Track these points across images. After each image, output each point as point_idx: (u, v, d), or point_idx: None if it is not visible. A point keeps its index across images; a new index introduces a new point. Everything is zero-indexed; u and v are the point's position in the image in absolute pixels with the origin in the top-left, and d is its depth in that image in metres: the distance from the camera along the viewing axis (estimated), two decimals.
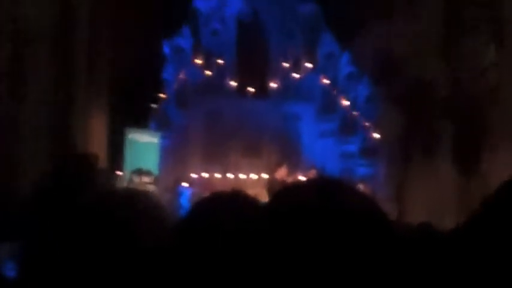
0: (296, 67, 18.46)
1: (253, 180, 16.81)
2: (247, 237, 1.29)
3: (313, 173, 14.22)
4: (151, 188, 13.97)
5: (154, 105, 17.39)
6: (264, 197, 14.00)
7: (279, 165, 13.96)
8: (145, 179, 14.04)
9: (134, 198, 1.63)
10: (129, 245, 1.48)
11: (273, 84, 18.16)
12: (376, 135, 16.42)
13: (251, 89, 17.94)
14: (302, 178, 15.31)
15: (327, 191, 1.30)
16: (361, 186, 14.09)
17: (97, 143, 13.84)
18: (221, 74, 18.14)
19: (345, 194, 1.30)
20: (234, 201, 1.46)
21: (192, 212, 1.46)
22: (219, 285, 1.31)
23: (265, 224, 1.28)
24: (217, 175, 17.08)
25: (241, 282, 1.27)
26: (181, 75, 17.91)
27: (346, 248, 1.21)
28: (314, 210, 1.25)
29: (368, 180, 15.28)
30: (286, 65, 18.41)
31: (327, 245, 1.21)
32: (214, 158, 17.20)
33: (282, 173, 13.80)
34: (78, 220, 1.55)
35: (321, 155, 17.45)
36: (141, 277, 1.44)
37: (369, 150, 16.79)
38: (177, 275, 1.33)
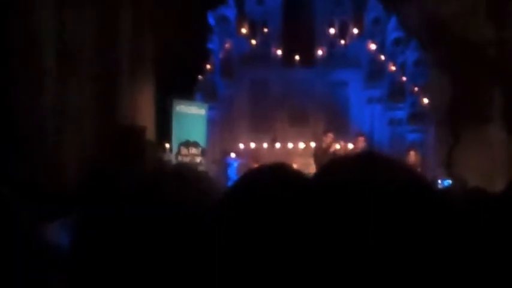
0: (342, 34, 18.29)
1: (300, 149, 16.78)
2: (292, 210, 1.29)
3: (361, 140, 14.10)
4: (198, 159, 14.10)
5: (200, 77, 17.42)
6: (311, 166, 13.99)
7: (326, 133, 13.86)
8: (193, 150, 14.16)
9: (183, 175, 1.64)
10: (178, 220, 1.50)
11: (320, 52, 18.02)
12: (425, 101, 16.20)
13: (297, 58, 17.82)
14: (350, 145, 15.24)
15: (373, 166, 1.28)
16: (411, 153, 13.98)
17: (144, 115, 13.95)
18: (267, 43, 18.08)
19: (391, 169, 1.28)
20: (279, 174, 1.44)
21: (238, 184, 1.46)
22: (262, 257, 1.30)
23: (310, 199, 1.27)
24: (265, 145, 17.08)
25: (284, 255, 1.28)
26: (227, 46, 17.89)
27: (392, 225, 1.20)
28: (358, 187, 1.23)
29: (418, 146, 15.09)
30: (332, 31, 18.24)
31: (370, 222, 1.19)
32: (261, 128, 17.21)
33: (329, 141, 13.70)
34: (128, 198, 1.57)
35: (369, 121, 17.31)
36: (188, 248, 1.47)
37: (418, 116, 16.60)
38: (222, 245, 1.33)
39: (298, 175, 1.46)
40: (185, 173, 1.65)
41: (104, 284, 1.51)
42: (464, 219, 1.66)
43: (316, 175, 1.34)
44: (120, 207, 1.54)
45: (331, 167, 1.34)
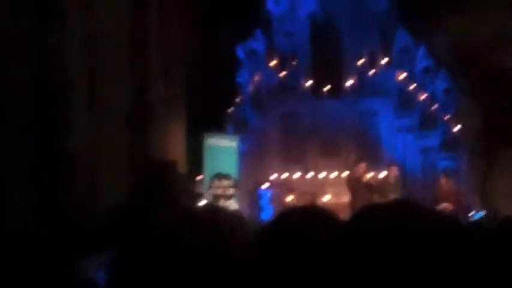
0: (371, 64, 18.30)
1: (332, 178, 16.73)
2: (328, 254, 1.32)
3: (394, 169, 14.07)
4: (231, 191, 14.10)
5: (230, 109, 17.53)
6: (345, 195, 13.96)
7: (358, 163, 13.85)
8: (225, 182, 14.15)
9: (216, 214, 1.66)
10: (210, 262, 1.51)
11: (349, 82, 18.04)
12: (457, 128, 16.12)
13: (326, 89, 17.86)
14: (383, 174, 15.18)
15: (408, 214, 1.29)
16: (443, 179, 13.88)
17: (176, 149, 14.04)
18: (296, 75, 18.13)
19: (425, 218, 1.30)
20: (314, 216, 1.46)
21: (275, 225, 1.47)
22: None
23: (345, 243, 1.28)
24: (297, 175, 17.05)
25: None
26: (256, 78, 17.99)
27: (425, 272, 1.22)
28: (392, 234, 1.25)
29: (451, 174, 14.99)
30: (361, 61, 18.27)
31: (403, 269, 1.22)
32: (293, 159, 17.21)
33: (361, 170, 13.68)
34: (162, 238, 1.59)
35: (401, 150, 17.25)
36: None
37: (450, 144, 16.51)
38: (263, 285, 1.35)
39: (333, 218, 1.47)
40: (217, 213, 1.67)
41: None
42: (498, 252, 1.65)
43: (353, 220, 1.36)
44: (155, 246, 1.56)
45: (367, 212, 1.37)
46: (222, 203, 13.50)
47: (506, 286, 1.37)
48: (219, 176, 14.24)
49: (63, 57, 10.45)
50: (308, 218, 1.44)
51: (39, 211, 9.39)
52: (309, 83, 18.02)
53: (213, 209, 1.80)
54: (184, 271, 1.49)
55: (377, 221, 1.30)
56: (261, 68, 18.10)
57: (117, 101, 11.62)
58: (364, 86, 18.02)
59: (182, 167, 14.08)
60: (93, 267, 3.02)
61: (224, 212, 1.75)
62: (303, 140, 17.25)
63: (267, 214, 15.02)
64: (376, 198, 13.24)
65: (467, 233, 1.33)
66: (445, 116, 16.74)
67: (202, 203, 14.02)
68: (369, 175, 14.50)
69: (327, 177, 16.89)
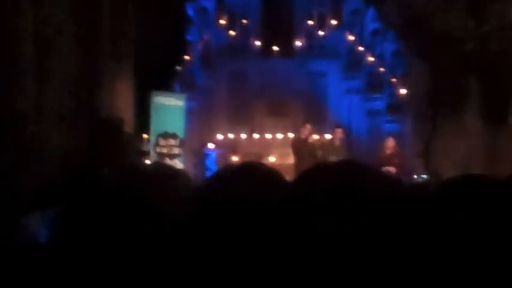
0: (321, 25, 18.31)
1: (279, 140, 16.81)
2: (268, 214, 1.30)
3: (339, 131, 14.16)
4: (177, 150, 14.09)
5: (179, 68, 17.39)
6: (290, 156, 14.04)
7: (304, 124, 13.91)
8: (171, 141, 14.14)
9: (161, 172, 1.65)
10: (153, 218, 1.51)
11: (298, 43, 18.04)
12: (403, 91, 16.28)
13: (276, 49, 17.84)
14: (328, 136, 15.30)
15: (353, 175, 1.30)
16: (389, 140, 14.05)
17: (123, 107, 13.90)
18: (245, 34, 18.06)
19: (369, 178, 1.31)
20: (255, 172, 1.45)
21: (216, 181, 1.46)
22: (237, 257, 1.31)
23: (289, 204, 1.28)
24: (243, 136, 17.09)
25: (258, 257, 1.28)
26: (206, 37, 17.86)
27: (368, 233, 1.23)
28: (338, 195, 1.26)
29: (395, 137, 15.17)
30: (311, 23, 18.26)
31: (346, 226, 1.23)
32: (240, 119, 17.21)
33: (307, 132, 13.76)
34: (107, 194, 1.58)
35: (347, 112, 17.39)
36: (160, 243, 1.47)
37: (396, 107, 16.67)
38: (198, 245, 1.34)
39: (276, 176, 1.46)
40: (163, 171, 1.67)
41: (80, 275, 1.52)
42: (439, 214, 1.67)
43: (298, 180, 1.35)
44: (100, 202, 1.55)
45: (313, 173, 1.37)
46: (168, 162, 13.51)
47: (447, 250, 1.39)
48: (165, 135, 14.23)
49: (6, 11, 10.21)
50: (250, 174, 1.44)
51: None
52: (258, 42, 17.97)
53: (159, 166, 1.79)
54: (128, 227, 1.48)
55: (323, 182, 1.30)
56: (211, 26, 17.97)
57: (63, 53, 11.42)
58: (313, 47, 18.05)
59: (129, 125, 13.98)
60: (36, 224, 2.99)
61: (170, 169, 1.75)
62: (251, 100, 17.26)
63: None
64: (321, 161, 13.36)
65: (410, 195, 1.35)
66: (392, 78, 16.87)
67: (148, 161, 13.99)
68: (315, 137, 14.59)
69: (273, 138, 16.96)
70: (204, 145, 16.12)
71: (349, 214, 1.23)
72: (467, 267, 1.30)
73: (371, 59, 17.46)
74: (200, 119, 16.85)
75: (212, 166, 15.21)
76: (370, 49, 17.62)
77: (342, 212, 1.23)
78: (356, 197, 1.25)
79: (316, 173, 1.37)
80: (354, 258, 1.21)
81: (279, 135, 16.87)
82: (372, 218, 1.23)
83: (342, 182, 1.28)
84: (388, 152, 13.83)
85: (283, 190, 1.36)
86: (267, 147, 16.51)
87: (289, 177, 1.56)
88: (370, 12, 17.62)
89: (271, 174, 1.47)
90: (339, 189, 1.27)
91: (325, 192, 1.26)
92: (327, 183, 1.29)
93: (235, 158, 15.86)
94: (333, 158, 12.98)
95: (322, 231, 1.23)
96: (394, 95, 16.74)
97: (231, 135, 17.03)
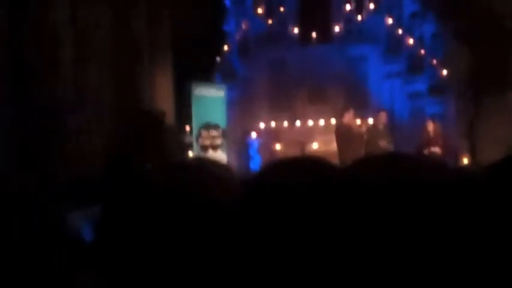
0: (359, 9, 18.19)
1: (321, 126, 16.76)
2: (317, 205, 1.30)
3: (382, 115, 14.06)
4: (219, 141, 14.13)
5: (218, 58, 17.44)
6: (333, 143, 14.00)
7: (346, 109, 13.84)
8: (213, 132, 14.17)
9: (205, 167, 1.67)
10: (198, 212, 1.51)
11: (336, 28, 17.95)
12: (445, 72, 16.11)
13: (314, 35, 17.77)
14: (371, 120, 15.21)
15: (398, 165, 1.32)
16: (430, 123, 13.93)
17: (163, 100, 14.01)
18: (283, 22, 18.03)
19: (415, 168, 1.31)
20: (305, 168, 1.45)
21: (262, 175, 1.47)
22: (281, 252, 1.32)
23: (336, 197, 1.29)
24: (285, 123, 17.08)
25: (305, 250, 1.28)
26: (243, 26, 17.87)
27: (415, 221, 1.22)
28: (383, 186, 1.27)
29: (438, 119, 15.02)
30: (348, 7, 18.16)
31: (393, 219, 1.23)
32: (281, 107, 17.19)
33: (349, 117, 13.68)
34: (151, 189, 1.59)
35: (389, 96, 17.26)
36: (208, 239, 1.47)
37: (438, 88, 16.49)
38: (245, 234, 1.35)
39: (325, 168, 1.46)
40: (207, 165, 1.68)
41: (127, 272, 1.54)
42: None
43: (346, 171, 1.36)
44: (144, 200, 1.56)
45: (358, 165, 1.38)
46: (211, 153, 13.57)
47: (496, 236, 1.38)
48: (207, 126, 14.27)
49: (47, 7, 10.36)
50: (296, 170, 1.44)
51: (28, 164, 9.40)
52: (297, 29, 17.93)
53: (202, 162, 1.80)
54: (173, 224, 1.50)
55: (366, 172, 1.32)
56: (248, 15, 17.97)
57: (102, 48, 11.54)
58: (352, 32, 17.94)
59: (170, 117, 14.07)
60: (79, 222, 3.03)
61: (214, 164, 1.76)
62: (291, 88, 17.21)
63: (256, 163, 15.08)
64: (366, 145, 13.30)
65: (459, 181, 1.34)
66: (432, 60, 16.70)
67: (191, 153, 14.07)
68: (357, 122, 14.52)
69: (315, 125, 16.92)
70: (246, 134, 16.15)
71: (404, 200, 1.24)
72: None
73: (411, 41, 17.29)
74: (241, 109, 16.87)
75: (255, 155, 15.25)
76: (409, 32, 17.45)
77: (397, 198, 1.24)
78: (407, 187, 1.26)
79: (362, 165, 1.38)
80: (411, 245, 1.22)
81: (321, 122, 16.83)
82: (424, 207, 1.23)
83: (393, 173, 1.29)
84: (431, 134, 13.72)
85: (329, 184, 1.37)
86: (309, 134, 16.48)
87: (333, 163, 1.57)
88: None
89: (318, 165, 1.47)
90: (392, 176, 1.28)
91: (374, 184, 1.27)
92: (375, 175, 1.30)
93: (278, 146, 15.88)
94: (381, 143, 12.94)
95: (382, 215, 1.24)
96: (435, 76, 16.57)
97: (272, 124, 17.03)
